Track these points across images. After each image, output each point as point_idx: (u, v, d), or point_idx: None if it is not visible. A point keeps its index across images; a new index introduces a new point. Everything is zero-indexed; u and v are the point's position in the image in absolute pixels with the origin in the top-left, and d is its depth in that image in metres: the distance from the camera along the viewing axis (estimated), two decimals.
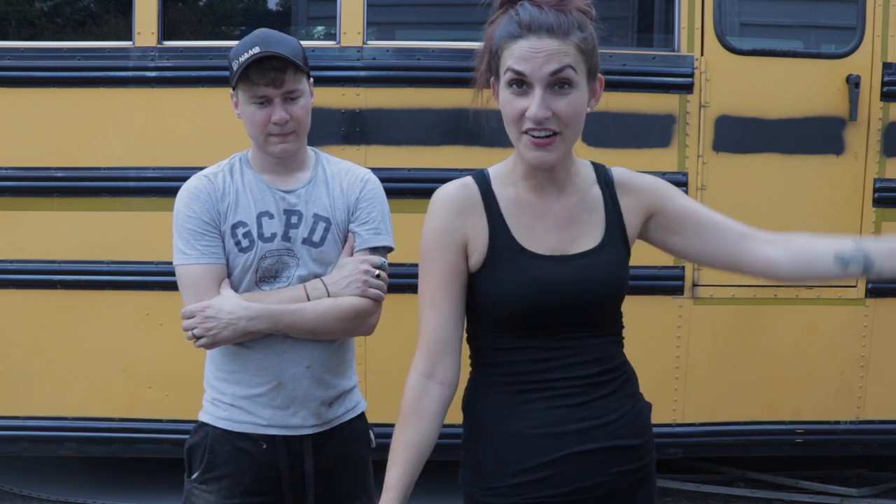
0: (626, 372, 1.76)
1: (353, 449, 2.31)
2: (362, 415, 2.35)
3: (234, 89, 2.19)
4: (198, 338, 2.11)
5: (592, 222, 1.71)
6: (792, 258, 1.69)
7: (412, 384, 1.68)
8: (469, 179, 1.71)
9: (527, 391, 1.67)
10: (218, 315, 2.09)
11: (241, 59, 2.11)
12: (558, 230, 1.69)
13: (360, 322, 2.19)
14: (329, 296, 2.16)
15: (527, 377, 1.67)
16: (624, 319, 1.79)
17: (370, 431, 2.38)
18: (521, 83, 1.58)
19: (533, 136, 1.59)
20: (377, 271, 2.19)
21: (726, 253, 1.72)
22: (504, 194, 1.70)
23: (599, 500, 1.67)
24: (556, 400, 1.66)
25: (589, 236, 1.70)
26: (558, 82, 1.57)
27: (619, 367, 1.74)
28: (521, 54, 1.57)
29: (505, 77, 1.60)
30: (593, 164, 1.77)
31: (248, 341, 2.16)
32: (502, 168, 1.73)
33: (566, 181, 1.71)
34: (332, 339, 2.21)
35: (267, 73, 2.10)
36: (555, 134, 1.59)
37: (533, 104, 1.57)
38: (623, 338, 1.79)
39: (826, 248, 1.68)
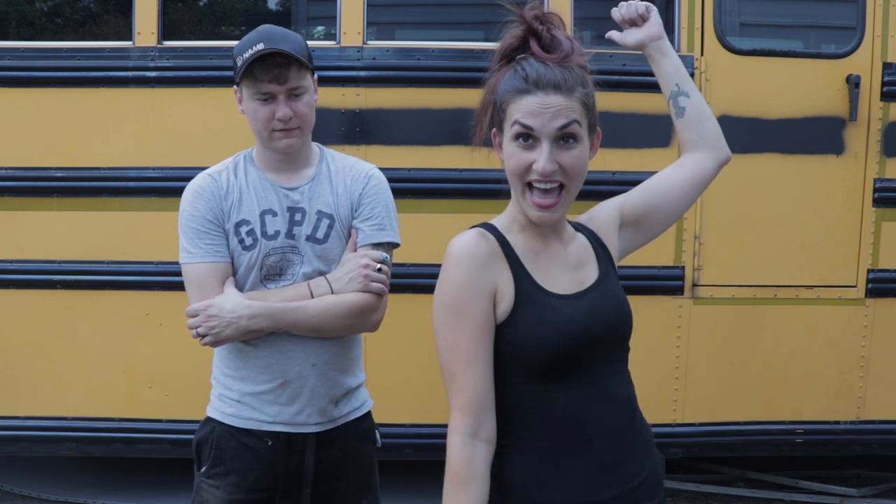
0: (641, 414, 1.77)
1: (359, 448, 2.31)
2: (368, 413, 2.35)
3: (237, 85, 2.19)
4: (202, 336, 2.13)
5: (589, 260, 1.77)
6: (700, 141, 1.95)
7: (458, 448, 1.59)
8: (482, 230, 1.70)
9: (562, 456, 1.64)
10: (220, 314, 2.10)
11: (246, 55, 2.11)
12: (569, 272, 1.73)
13: (364, 318, 2.19)
14: (333, 293, 2.16)
15: (562, 437, 1.64)
16: None
17: (376, 431, 2.37)
18: (527, 137, 1.62)
19: (537, 198, 1.63)
20: (378, 265, 2.18)
21: (681, 194, 1.91)
22: (517, 242, 1.71)
23: None
24: (592, 464, 1.65)
25: (591, 272, 1.75)
26: (564, 137, 1.62)
27: (638, 411, 1.76)
28: (529, 109, 1.60)
29: (511, 130, 1.63)
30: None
31: (253, 339, 2.16)
32: (505, 219, 1.75)
33: (563, 228, 1.76)
34: (336, 336, 2.21)
35: (271, 69, 2.10)
36: (560, 187, 1.64)
37: (541, 158, 1.60)
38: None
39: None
